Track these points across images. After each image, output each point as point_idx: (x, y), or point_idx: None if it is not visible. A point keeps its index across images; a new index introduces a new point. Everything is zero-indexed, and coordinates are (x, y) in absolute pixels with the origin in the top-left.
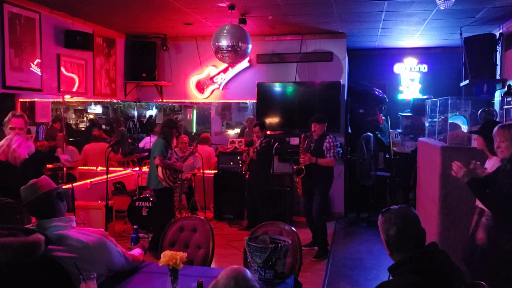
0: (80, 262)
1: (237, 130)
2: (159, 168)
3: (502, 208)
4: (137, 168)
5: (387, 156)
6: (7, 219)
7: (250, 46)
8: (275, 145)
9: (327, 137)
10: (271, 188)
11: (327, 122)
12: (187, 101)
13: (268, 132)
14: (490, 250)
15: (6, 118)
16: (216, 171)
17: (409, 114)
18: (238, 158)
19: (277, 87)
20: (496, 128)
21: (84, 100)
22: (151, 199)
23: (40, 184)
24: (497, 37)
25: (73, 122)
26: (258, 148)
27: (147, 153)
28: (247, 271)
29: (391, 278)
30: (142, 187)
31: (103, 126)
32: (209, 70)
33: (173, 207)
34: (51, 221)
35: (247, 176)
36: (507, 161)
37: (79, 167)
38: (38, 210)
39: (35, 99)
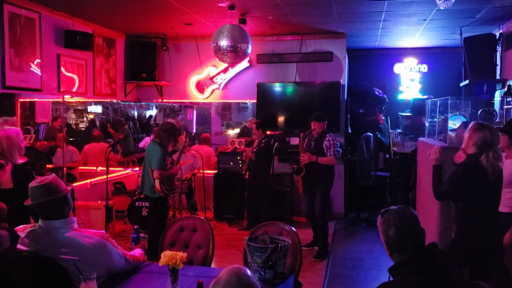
0: (80, 264)
1: (237, 130)
2: (157, 181)
3: (437, 196)
4: (137, 168)
5: (387, 156)
6: None
7: (250, 46)
8: (275, 145)
9: (327, 135)
10: (271, 188)
11: (326, 120)
12: (187, 101)
13: (268, 132)
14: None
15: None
16: (216, 171)
17: (409, 114)
18: (238, 158)
19: (277, 87)
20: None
21: (84, 100)
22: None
23: (55, 184)
24: (497, 37)
25: (73, 122)
26: (256, 148)
27: None
28: (247, 269)
29: (391, 278)
30: None
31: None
32: (209, 70)
33: (168, 214)
34: (55, 222)
35: (247, 176)
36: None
37: (79, 167)
38: (47, 211)
39: (35, 99)
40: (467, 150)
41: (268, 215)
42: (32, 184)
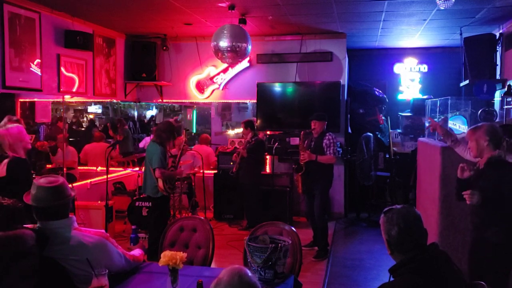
0: (79, 263)
1: (237, 130)
2: (160, 180)
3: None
4: (137, 168)
5: (387, 156)
6: None
7: (250, 46)
8: (275, 145)
9: (327, 134)
10: (271, 188)
11: (327, 120)
12: (187, 101)
13: (268, 132)
14: (477, 245)
15: (2, 123)
16: (216, 171)
17: (409, 114)
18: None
19: (277, 87)
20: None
21: (84, 100)
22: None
23: (64, 187)
24: (497, 37)
25: (73, 122)
26: (247, 145)
27: None
28: (247, 269)
29: (391, 279)
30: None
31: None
32: (209, 70)
33: (169, 214)
34: (55, 223)
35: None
36: (485, 164)
37: (79, 167)
38: (53, 213)
39: (35, 99)
40: (482, 154)
41: (260, 214)
42: (40, 184)
